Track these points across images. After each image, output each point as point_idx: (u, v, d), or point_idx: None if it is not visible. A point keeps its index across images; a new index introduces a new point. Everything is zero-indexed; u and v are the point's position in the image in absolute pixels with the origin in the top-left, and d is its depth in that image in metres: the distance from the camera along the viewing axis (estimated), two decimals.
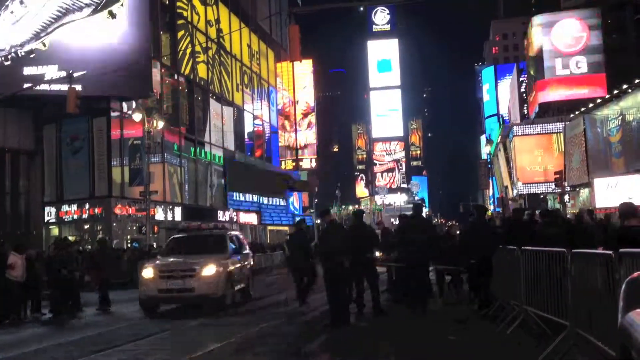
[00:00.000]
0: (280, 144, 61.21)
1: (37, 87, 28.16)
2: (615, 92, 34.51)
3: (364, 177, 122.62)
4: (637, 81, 31.92)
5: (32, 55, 29.95)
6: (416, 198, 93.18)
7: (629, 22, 50.79)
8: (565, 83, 50.03)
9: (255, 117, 52.74)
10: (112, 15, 27.78)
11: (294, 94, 64.39)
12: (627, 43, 51.85)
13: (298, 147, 65.83)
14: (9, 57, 29.75)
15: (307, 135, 67.36)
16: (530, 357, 6.65)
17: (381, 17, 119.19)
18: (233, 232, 17.37)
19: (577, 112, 39.73)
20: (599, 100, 37.35)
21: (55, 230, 32.97)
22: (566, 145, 41.47)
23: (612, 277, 5.10)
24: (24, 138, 32.74)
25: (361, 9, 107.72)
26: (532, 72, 57.44)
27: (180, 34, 39.15)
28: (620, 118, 33.39)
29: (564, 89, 49.87)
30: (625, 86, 32.85)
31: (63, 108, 20.21)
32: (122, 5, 30.66)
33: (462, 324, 9.62)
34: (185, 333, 10.64)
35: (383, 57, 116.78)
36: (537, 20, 52.85)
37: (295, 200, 62.61)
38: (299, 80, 65.34)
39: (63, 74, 28.27)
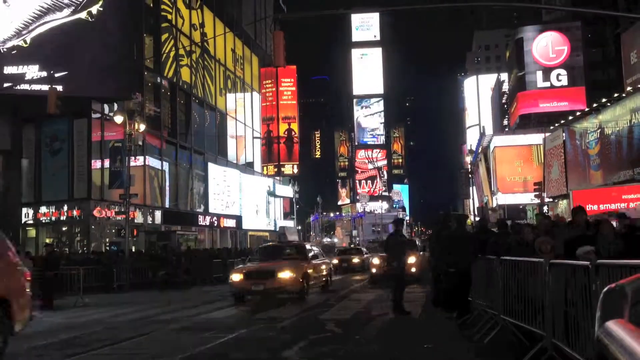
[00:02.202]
0: (261, 150, 61.03)
1: (18, 87, 27.83)
2: (595, 105, 35.01)
3: (345, 184, 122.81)
4: (616, 95, 32.44)
5: (13, 52, 29.58)
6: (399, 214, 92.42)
7: (609, 37, 51.61)
8: (545, 95, 50.68)
9: (237, 122, 52.62)
10: (91, 15, 27.60)
11: (277, 99, 64.32)
12: (607, 57, 52.70)
13: (280, 153, 65.62)
14: None
15: (289, 140, 67.16)
16: None
17: (365, 26, 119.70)
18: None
19: (556, 124, 40.21)
20: (578, 113, 37.88)
21: (32, 232, 32.56)
22: (546, 157, 41.95)
23: (589, 287, 5.15)
24: (2, 138, 32.28)
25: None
26: (513, 84, 58.06)
27: (164, 37, 38.99)
28: (599, 131, 33.87)
29: (545, 101, 50.51)
30: (604, 100, 33.37)
31: (43, 108, 20.00)
32: (101, 7, 30.36)
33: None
34: (164, 337, 10.53)
35: (365, 58, 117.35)
36: (519, 32, 53.51)
37: (277, 206, 62.51)
38: (282, 86, 65.28)
39: (44, 74, 28.04)
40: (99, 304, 16.59)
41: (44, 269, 17.12)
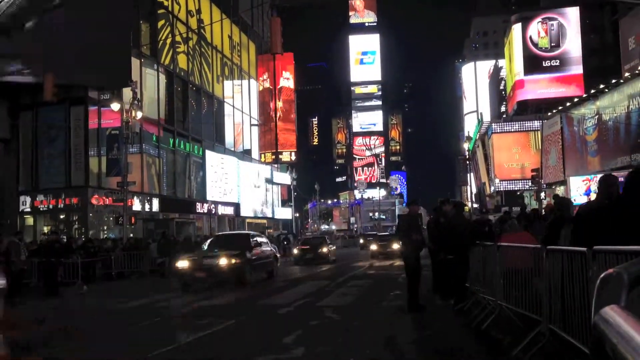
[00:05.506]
0: (259, 137, 60.96)
1: (14, 74, 27.68)
2: (593, 91, 34.97)
3: (343, 171, 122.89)
4: (613, 81, 32.40)
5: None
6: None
7: (607, 23, 51.48)
8: (543, 82, 50.57)
9: (235, 109, 52.51)
10: None
11: (275, 86, 64.15)
12: (604, 43, 52.58)
13: (278, 140, 65.53)
14: None
15: (287, 128, 67.06)
16: (505, 352, 6.73)
17: (363, 12, 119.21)
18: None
19: (554, 111, 40.20)
20: (576, 100, 37.84)
21: (30, 220, 32.54)
22: (543, 143, 42.01)
23: (585, 273, 5.17)
24: None
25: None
26: (511, 70, 57.94)
27: (160, 23, 38.77)
28: (596, 117, 33.88)
29: (542, 88, 50.41)
30: (602, 86, 33.33)
31: (40, 96, 19.93)
32: None
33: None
34: (164, 324, 10.58)
35: (365, 51, 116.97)
36: (517, 18, 53.30)
37: (275, 193, 62.53)
38: (279, 73, 65.08)
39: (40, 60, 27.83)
40: (99, 292, 16.62)
41: (48, 256, 17.02)
